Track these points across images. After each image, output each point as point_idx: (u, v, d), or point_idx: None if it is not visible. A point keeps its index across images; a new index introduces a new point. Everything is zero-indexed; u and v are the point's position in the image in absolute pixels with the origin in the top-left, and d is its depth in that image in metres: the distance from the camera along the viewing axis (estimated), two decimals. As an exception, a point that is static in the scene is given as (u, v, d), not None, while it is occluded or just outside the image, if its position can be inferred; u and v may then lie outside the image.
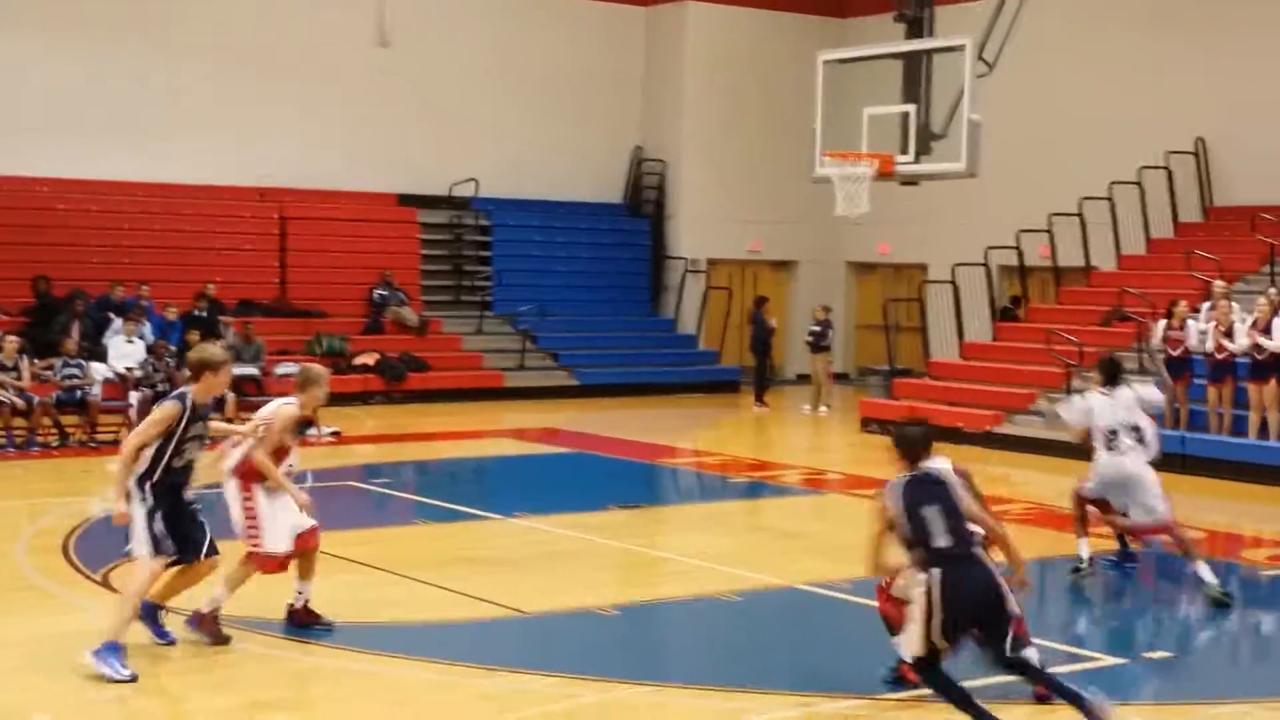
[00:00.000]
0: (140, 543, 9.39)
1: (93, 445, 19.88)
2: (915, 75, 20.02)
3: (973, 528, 8.32)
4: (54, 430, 20.07)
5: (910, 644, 8.16)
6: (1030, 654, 9.06)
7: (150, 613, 9.79)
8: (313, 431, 21.41)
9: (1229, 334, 19.33)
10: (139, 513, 9.38)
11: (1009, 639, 8.07)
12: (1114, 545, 13.40)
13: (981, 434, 21.53)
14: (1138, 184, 25.73)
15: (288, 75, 28.04)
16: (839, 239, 31.38)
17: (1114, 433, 12.28)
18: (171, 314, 24.05)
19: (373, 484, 17.96)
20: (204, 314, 24.50)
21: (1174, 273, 23.41)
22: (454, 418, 24.51)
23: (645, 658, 10.64)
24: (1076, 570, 12.43)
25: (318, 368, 10.80)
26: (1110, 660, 10.36)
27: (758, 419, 26.30)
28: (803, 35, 30.19)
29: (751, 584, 12.24)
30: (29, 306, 24.25)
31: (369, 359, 26.43)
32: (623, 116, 31.80)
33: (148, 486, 9.38)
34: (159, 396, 19.97)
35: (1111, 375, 12.58)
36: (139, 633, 9.70)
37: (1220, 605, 11.80)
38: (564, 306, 29.61)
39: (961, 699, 8.10)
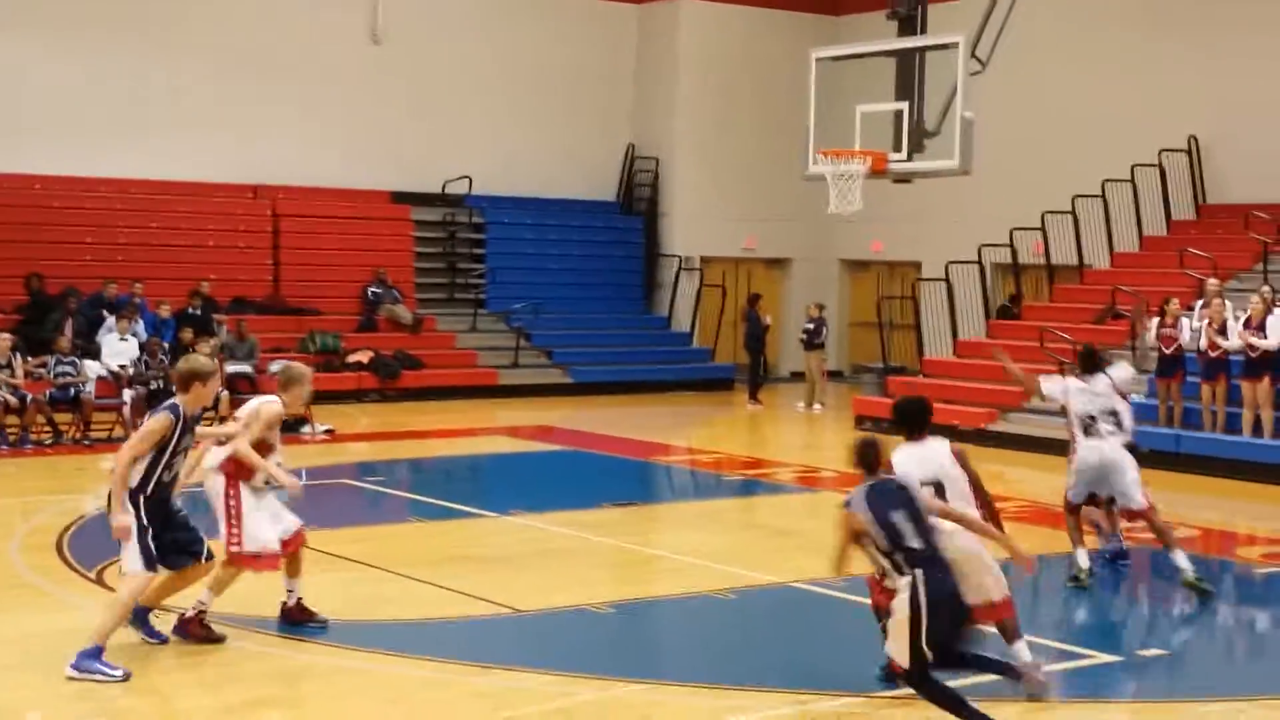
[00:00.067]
0: (133, 558, 9.36)
1: (86, 443, 19.87)
2: (908, 73, 20.00)
3: (938, 523, 8.43)
4: (47, 428, 20.06)
5: (899, 657, 8.13)
6: (1020, 647, 9.11)
7: (141, 616, 9.78)
8: (307, 430, 21.44)
9: (1223, 331, 19.35)
10: (133, 528, 9.36)
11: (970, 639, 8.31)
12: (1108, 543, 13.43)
13: (976, 432, 21.53)
14: (1131, 182, 25.76)
15: (281, 73, 28.02)
16: (832, 237, 31.40)
17: (1092, 418, 12.48)
18: (165, 311, 24.03)
19: (367, 482, 17.96)
20: (198, 312, 24.48)
21: (1167, 271, 23.43)
22: (448, 415, 24.50)
23: (640, 655, 10.64)
24: (1075, 580, 12.40)
25: (300, 366, 10.78)
26: (1104, 658, 10.36)
27: (752, 417, 26.32)
28: (796, 32, 30.19)
29: (746, 582, 12.24)
30: (22, 304, 24.22)
31: (363, 357, 26.42)
32: (616, 114, 31.80)
33: (141, 500, 9.35)
34: (152, 394, 20.08)
35: (1089, 365, 12.80)
36: (131, 632, 9.71)
37: (1198, 592, 11.94)
38: (558, 304, 29.60)
39: (956, 703, 8.10)
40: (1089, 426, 12.48)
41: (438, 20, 29.70)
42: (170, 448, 9.39)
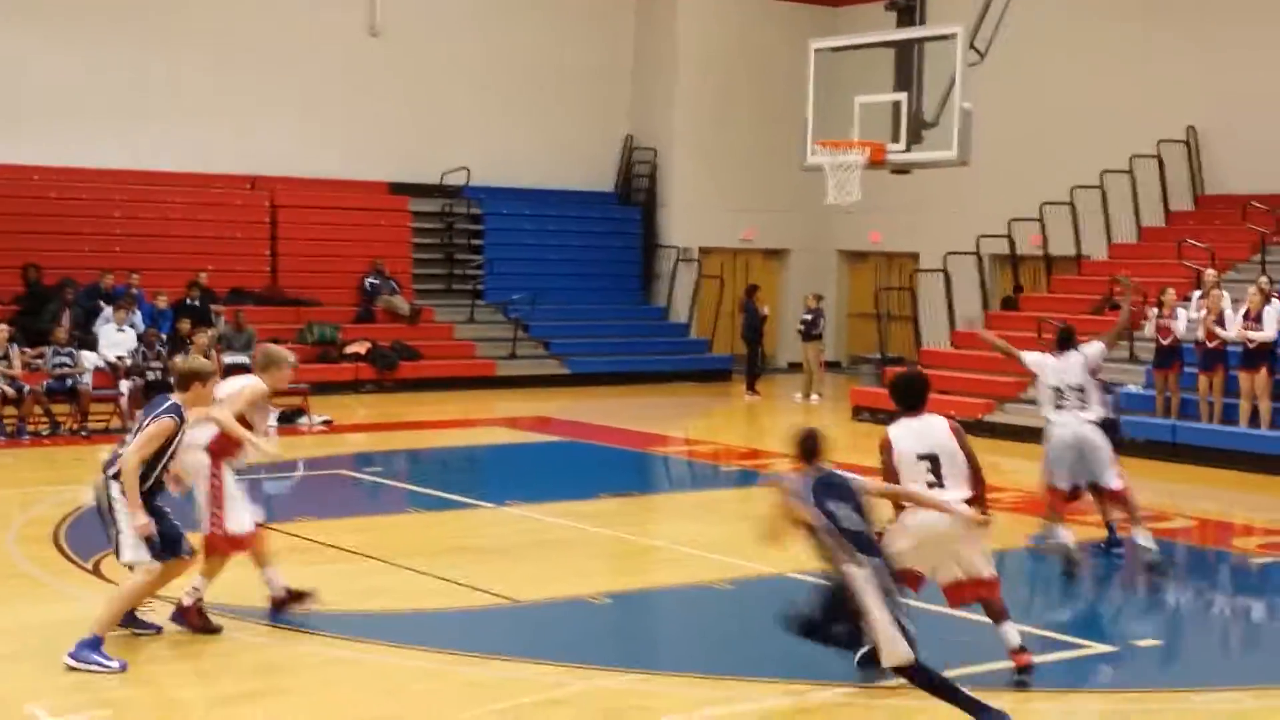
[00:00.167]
0: (136, 549, 9.37)
1: (84, 434, 19.86)
2: (907, 64, 20.01)
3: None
4: (45, 419, 20.05)
5: (890, 654, 8.01)
6: (1008, 628, 9.13)
7: (127, 615, 9.77)
8: (304, 421, 21.45)
9: (1220, 322, 19.35)
10: (129, 521, 9.36)
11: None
12: (1102, 533, 13.45)
13: (973, 422, 21.52)
14: (1129, 173, 25.75)
15: (279, 65, 27.99)
16: (830, 228, 31.39)
17: (1059, 391, 12.88)
18: (162, 302, 24.01)
19: (364, 472, 17.95)
20: (196, 303, 24.47)
21: (1165, 261, 23.43)
22: (446, 406, 24.50)
23: (637, 646, 10.65)
24: (1068, 563, 12.46)
25: (279, 348, 10.87)
26: (1099, 648, 10.38)
27: (749, 407, 26.33)
28: (794, 23, 30.15)
29: (743, 572, 12.24)
30: (19, 295, 24.20)
31: (360, 348, 26.41)
32: (614, 105, 31.78)
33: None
34: (150, 385, 20.07)
35: (1064, 342, 13.17)
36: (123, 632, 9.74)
37: (1157, 570, 12.42)
38: (556, 295, 29.58)
39: (950, 689, 8.10)
40: (1058, 400, 12.87)
41: (436, 12, 29.67)
42: (172, 448, 9.47)
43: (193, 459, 9.97)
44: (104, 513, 9.50)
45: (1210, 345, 19.46)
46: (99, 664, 9.04)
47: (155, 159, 26.89)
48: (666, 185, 31.83)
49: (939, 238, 27.61)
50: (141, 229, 26.23)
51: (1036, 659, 9.38)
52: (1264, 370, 18.94)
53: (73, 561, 12.19)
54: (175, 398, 9.58)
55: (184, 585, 9.99)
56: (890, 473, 8.99)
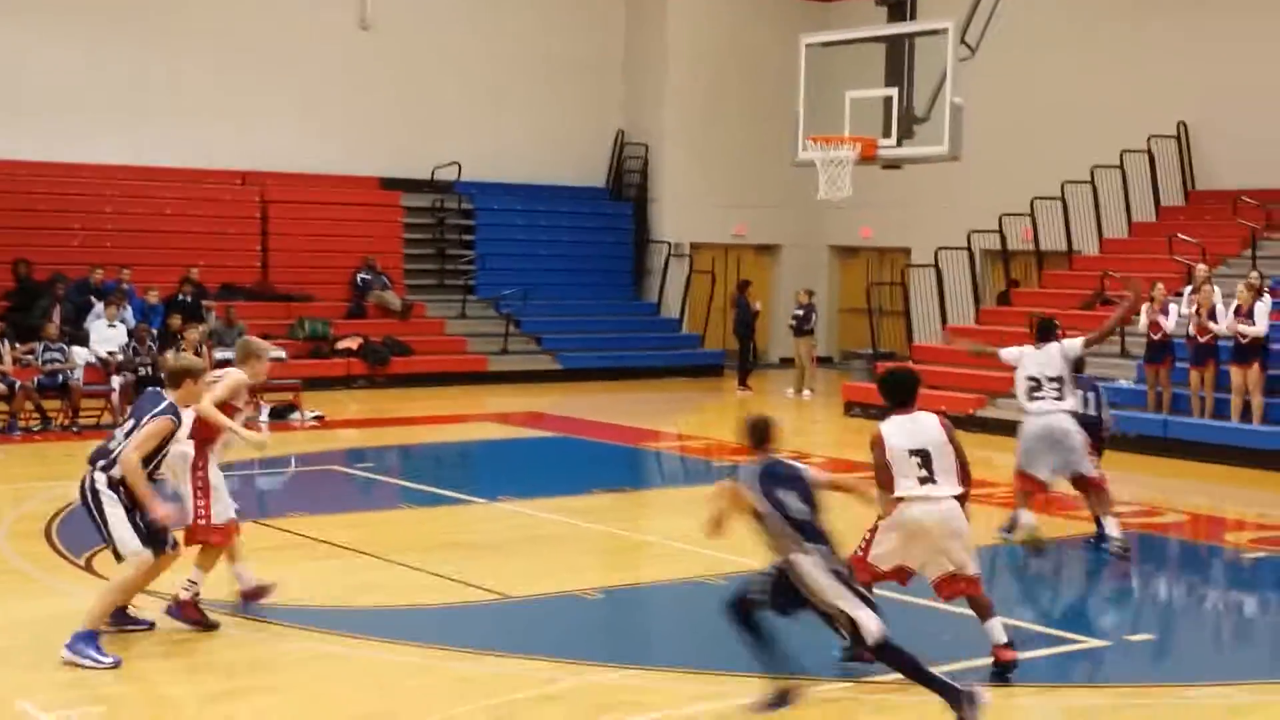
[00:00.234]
0: (125, 540, 9.37)
1: (75, 429, 19.83)
2: (898, 59, 20.01)
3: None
4: (36, 415, 20.02)
5: (870, 630, 8.00)
6: (994, 624, 9.14)
7: (117, 614, 9.75)
8: (296, 416, 21.43)
9: (1211, 316, 19.37)
10: (119, 513, 9.36)
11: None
12: (1092, 529, 13.46)
13: (965, 417, 21.55)
14: (1120, 168, 25.79)
15: (270, 60, 27.97)
16: (822, 223, 31.40)
17: (1035, 381, 12.98)
18: (153, 298, 23.98)
19: (356, 468, 17.95)
20: (188, 298, 24.44)
21: (1156, 256, 23.46)
22: (437, 402, 24.50)
23: (629, 641, 10.66)
24: (1035, 542, 12.77)
25: (258, 341, 11.04)
26: (1091, 642, 10.39)
27: (741, 402, 26.30)
28: (785, 18, 30.15)
29: (735, 567, 12.19)
30: (9, 290, 24.16)
31: (352, 343, 26.39)
32: (605, 100, 31.77)
33: (121, 491, 9.38)
34: (141, 380, 20.04)
35: (1044, 333, 13.26)
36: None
37: (1120, 557, 12.72)
38: (547, 290, 29.58)
39: (923, 672, 8.11)
40: (1032, 390, 12.98)
41: (427, 6, 29.65)
42: (167, 447, 9.51)
43: (178, 451, 10.00)
44: (88, 505, 9.50)
45: (1201, 340, 19.47)
46: (94, 659, 9.04)
47: (147, 154, 26.87)
48: (658, 180, 31.83)
49: (930, 233, 27.63)
50: (132, 224, 26.20)
51: (1030, 654, 9.40)
52: (1256, 365, 18.96)
53: (64, 557, 12.17)
54: (168, 395, 9.60)
55: (179, 581, 9.98)
56: (882, 469, 9.00)
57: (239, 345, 10.99)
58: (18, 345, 20.88)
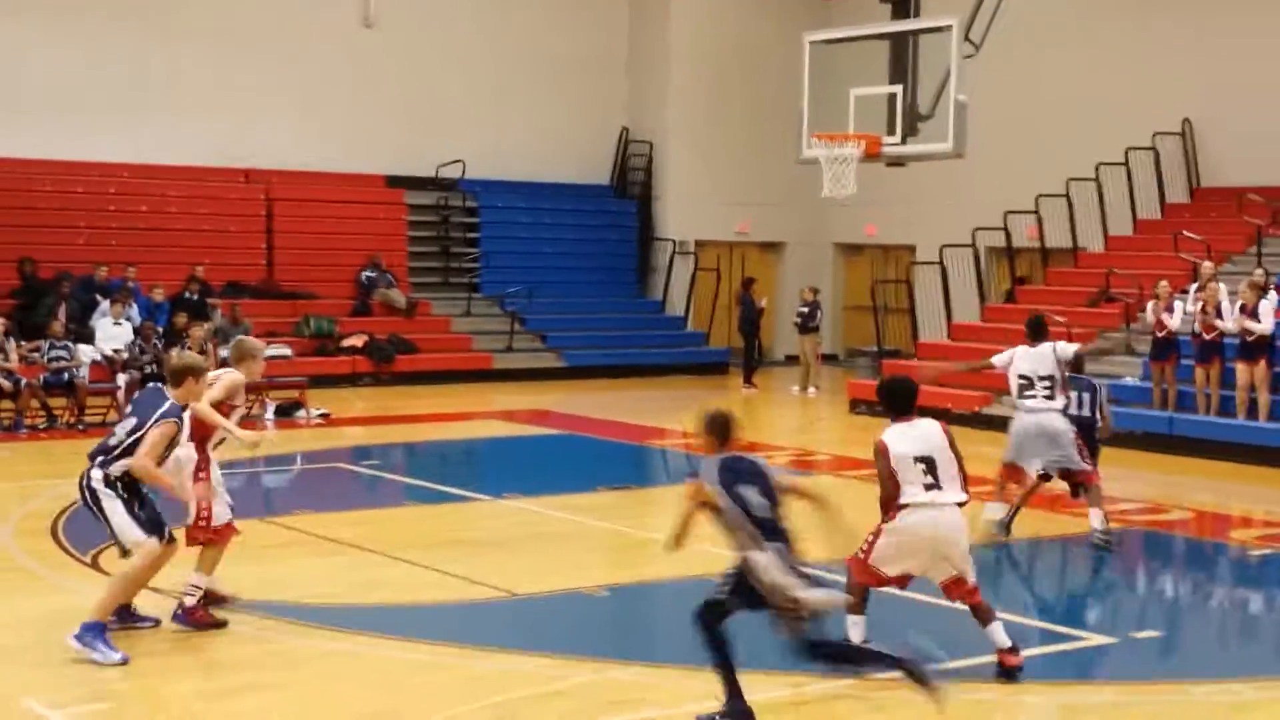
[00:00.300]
0: (130, 531, 9.38)
1: (80, 427, 19.84)
2: (902, 56, 20.04)
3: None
4: (41, 412, 20.04)
5: (829, 601, 8.07)
6: (995, 628, 9.14)
7: (121, 613, 9.76)
8: (302, 414, 21.44)
9: (1217, 314, 19.35)
10: (118, 506, 9.38)
11: None
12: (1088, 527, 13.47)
13: (970, 415, 21.55)
14: (1125, 165, 25.76)
15: (273, 58, 27.97)
16: (826, 220, 31.39)
17: (1027, 380, 13.07)
18: (159, 296, 24.00)
19: (362, 466, 17.95)
20: (194, 296, 24.46)
21: (1161, 254, 23.44)
22: (443, 399, 24.50)
23: (635, 638, 10.67)
24: (1005, 526, 13.05)
25: (253, 341, 11.08)
26: (1098, 639, 10.39)
27: (746, 400, 26.30)
28: (789, 16, 30.12)
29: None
30: (15, 288, 24.18)
31: (357, 341, 26.40)
32: (609, 98, 31.76)
33: (119, 486, 9.41)
34: (146, 378, 20.04)
35: (1036, 332, 13.32)
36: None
37: (1100, 547, 12.78)
38: (552, 288, 29.59)
39: (866, 653, 8.16)
40: (1024, 388, 13.06)
41: (430, 4, 29.65)
42: (172, 449, 9.57)
43: (182, 452, 10.02)
44: (87, 502, 9.52)
45: (1207, 337, 19.46)
46: (101, 652, 9.04)
47: (151, 152, 26.86)
48: (662, 178, 31.84)
49: (935, 230, 27.61)
50: (137, 222, 26.20)
51: (1035, 650, 9.39)
52: (1262, 362, 18.95)
53: (70, 555, 12.17)
54: (169, 393, 9.60)
55: (181, 586, 9.97)
56: (888, 477, 8.97)
57: (234, 345, 11.00)
58: (23, 343, 20.92)
